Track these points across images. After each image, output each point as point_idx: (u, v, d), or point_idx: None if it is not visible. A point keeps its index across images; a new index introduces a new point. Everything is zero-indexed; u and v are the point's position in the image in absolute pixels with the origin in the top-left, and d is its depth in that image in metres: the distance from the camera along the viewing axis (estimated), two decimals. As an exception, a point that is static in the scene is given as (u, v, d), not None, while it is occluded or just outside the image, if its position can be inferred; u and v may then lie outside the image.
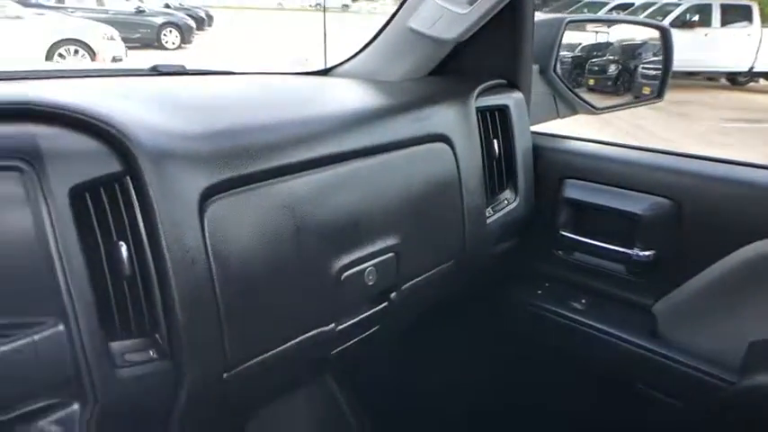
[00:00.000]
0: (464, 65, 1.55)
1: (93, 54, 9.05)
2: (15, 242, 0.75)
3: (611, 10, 12.92)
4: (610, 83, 2.82)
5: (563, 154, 1.62)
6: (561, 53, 1.73)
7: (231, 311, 0.95)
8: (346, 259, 1.10)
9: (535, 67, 1.65)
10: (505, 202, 1.52)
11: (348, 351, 1.21)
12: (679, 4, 11.90)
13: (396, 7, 1.54)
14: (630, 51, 2.49)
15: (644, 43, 2.28)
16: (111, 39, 9.51)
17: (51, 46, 8.78)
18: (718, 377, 1.29)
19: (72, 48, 9.03)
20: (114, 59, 9.26)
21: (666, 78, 1.83)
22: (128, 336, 0.86)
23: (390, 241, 1.18)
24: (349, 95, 1.42)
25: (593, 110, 1.79)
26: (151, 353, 0.88)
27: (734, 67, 12.21)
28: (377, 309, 1.21)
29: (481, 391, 1.77)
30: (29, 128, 0.78)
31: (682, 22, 11.43)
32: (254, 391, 1.15)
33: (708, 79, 13.05)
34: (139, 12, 12.31)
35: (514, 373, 1.74)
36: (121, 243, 0.84)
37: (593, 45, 2.36)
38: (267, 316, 1.01)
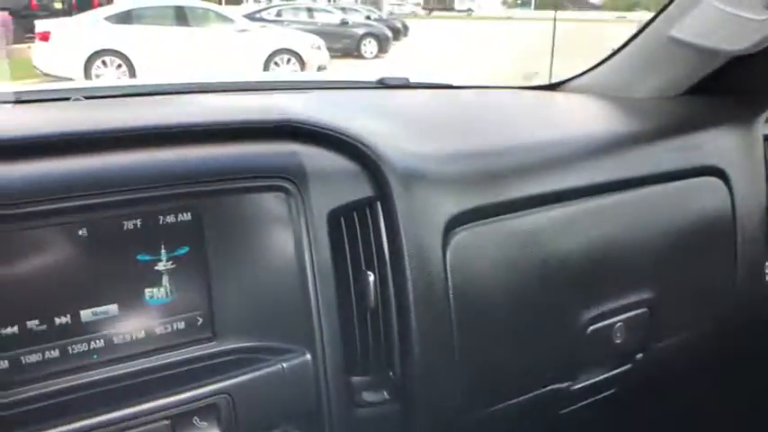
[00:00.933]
0: (740, 82, 1.29)
1: (302, 63, 9.90)
2: (275, 264, 0.74)
3: None
4: None
5: None
6: None
7: (466, 353, 0.86)
8: (595, 311, 0.95)
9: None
10: None
11: (578, 413, 1.06)
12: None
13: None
14: None
15: None
16: (318, 48, 10.33)
17: (269, 55, 9.78)
18: None
19: (285, 57, 9.96)
20: (319, 68, 10.02)
21: None
22: (365, 371, 0.81)
23: (645, 293, 1.00)
24: (593, 115, 1.26)
25: None
26: (385, 393, 0.82)
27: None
28: (619, 370, 1.04)
29: None
30: (291, 146, 0.76)
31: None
32: None
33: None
34: (344, 23, 13.23)
35: None
36: (369, 272, 0.79)
37: None
38: (503, 363, 0.90)
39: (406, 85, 1.44)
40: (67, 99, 0.97)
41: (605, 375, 1.02)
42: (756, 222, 1.11)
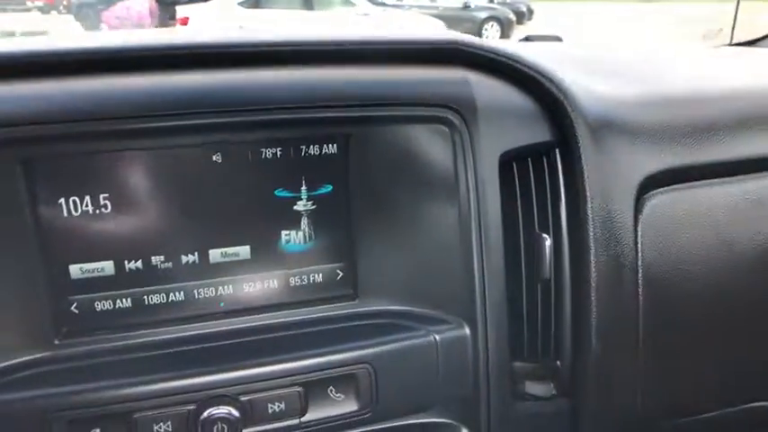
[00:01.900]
0: None
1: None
2: (433, 215, 0.60)
3: None
4: None
5: None
6: None
7: (652, 349, 0.68)
8: None
9: None
10: None
11: None
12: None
13: None
14: None
15: None
16: (439, 33, 10.14)
17: (388, 39, 9.77)
18: None
19: (405, 41, 9.90)
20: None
21: None
22: (530, 357, 0.66)
23: None
24: None
25: None
26: (552, 386, 0.66)
27: None
28: None
29: None
30: (461, 73, 0.62)
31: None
32: None
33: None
34: (466, 7, 12.86)
35: None
36: (545, 236, 0.63)
37: None
38: (699, 367, 0.72)
39: (558, 40, 1.26)
40: None
41: None
42: None
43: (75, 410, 0.53)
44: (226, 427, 0.54)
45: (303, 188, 0.59)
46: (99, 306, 0.57)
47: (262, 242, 0.59)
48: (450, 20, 11.45)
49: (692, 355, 0.71)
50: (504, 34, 12.83)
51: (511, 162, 0.63)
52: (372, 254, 0.61)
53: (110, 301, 0.57)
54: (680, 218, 0.69)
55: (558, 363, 0.67)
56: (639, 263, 0.67)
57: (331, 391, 0.58)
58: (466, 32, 0.69)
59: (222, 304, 0.60)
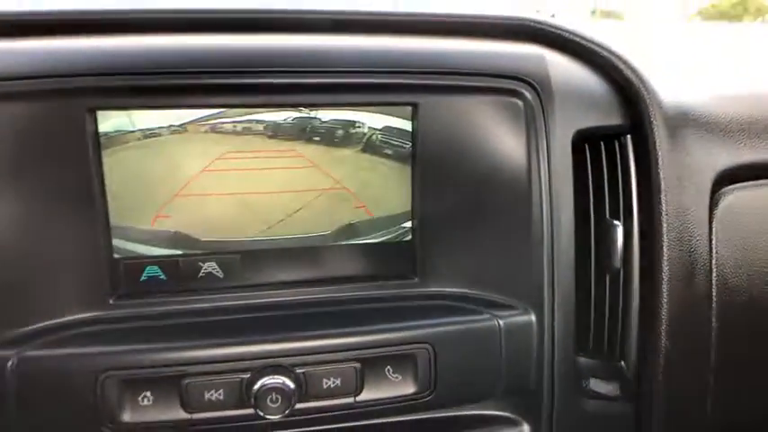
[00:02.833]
0: None
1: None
2: (501, 192, 0.58)
3: None
4: None
5: None
6: None
7: (725, 355, 0.64)
8: None
9: None
10: None
11: None
12: None
13: None
14: None
15: None
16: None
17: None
18: None
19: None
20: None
21: None
22: (595, 354, 0.63)
23: None
24: None
25: None
26: (617, 385, 0.63)
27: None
28: None
29: None
30: (536, 49, 0.60)
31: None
32: None
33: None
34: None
35: None
36: (617, 223, 0.60)
37: None
38: None
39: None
40: None
41: None
42: None
43: (126, 371, 0.51)
44: (280, 398, 0.52)
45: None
46: (155, 269, 0.56)
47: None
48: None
49: (765, 360, 0.67)
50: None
51: (582, 144, 0.61)
52: (435, 232, 0.59)
53: (166, 265, 0.56)
54: (758, 217, 0.65)
55: (623, 363, 0.64)
56: (713, 261, 0.63)
57: (388, 370, 0.55)
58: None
59: (280, 275, 0.58)
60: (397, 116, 0.57)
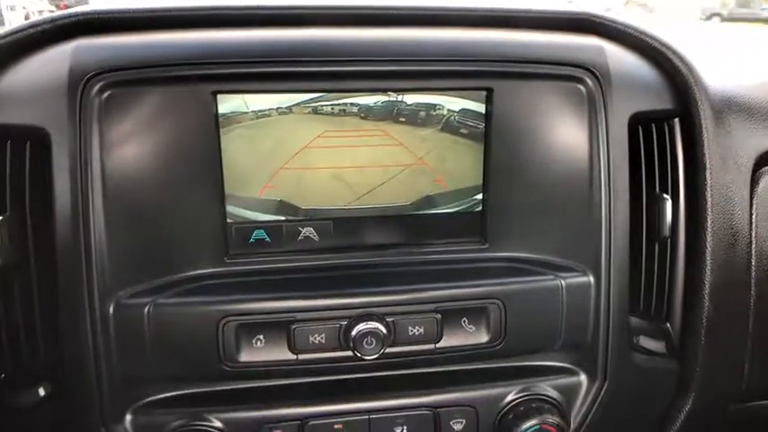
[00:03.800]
0: None
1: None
2: (564, 166, 0.65)
3: None
4: None
5: None
6: None
7: (764, 318, 0.71)
8: None
9: None
10: None
11: None
12: None
13: None
14: None
15: None
16: None
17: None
18: None
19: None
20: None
21: None
22: (645, 314, 0.70)
23: None
24: None
25: None
26: (663, 344, 0.70)
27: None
28: None
29: None
30: (596, 41, 0.67)
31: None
32: None
33: None
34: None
35: None
36: (666, 197, 0.68)
37: None
38: None
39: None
40: None
41: None
42: None
43: (242, 316, 0.60)
44: (374, 341, 0.60)
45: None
46: (262, 233, 0.65)
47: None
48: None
49: None
50: None
51: (636, 126, 0.68)
52: (503, 204, 0.66)
53: (271, 229, 0.65)
54: None
55: (669, 325, 0.71)
56: (754, 234, 0.70)
57: (464, 321, 0.63)
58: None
59: (366, 239, 0.66)
60: (473, 99, 0.64)
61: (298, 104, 0.62)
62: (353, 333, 0.60)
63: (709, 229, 0.67)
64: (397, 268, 0.65)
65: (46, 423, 0.62)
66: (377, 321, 0.61)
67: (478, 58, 0.62)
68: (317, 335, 0.61)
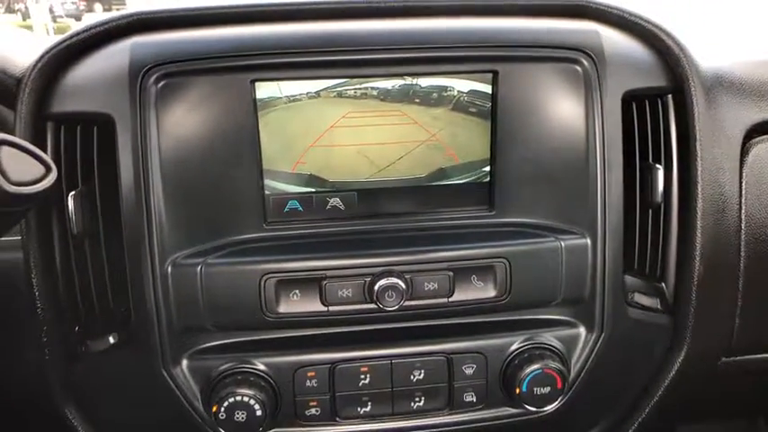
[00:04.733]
0: None
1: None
2: (564, 140, 0.73)
3: None
4: None
5: None
6: None
7: (753, 283, 0.78)
8: None
9: None
10: None
11: None
12: None
13: None
14: None
15: None
16: None
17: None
18: None
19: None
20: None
21: None
22: (640, 273, 0.78)
23: None
24: None
25: None
26: (657, 300, 0.78)
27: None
28: None
29: None
30: (591, 25, 0.74)
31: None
32: (723, 394, 0.95)
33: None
34: None
35: None
36: (658, 166, 0.75)
37: None
38: None
39: None
40: None
41: None
42: None
43: (281, 274, 0.70)
44: (394, 294, 0.69)
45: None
46: (295, 203, 0.74)
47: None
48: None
49: None
50: None
51: (630, 102, 0.75)
52: (509, 173, 0.74)
53: (303, 199, 0.74)
54: None
55: (663, 284, 0.78)
56: (743, 200, 0.76)
57: (473, 278, 0.72)
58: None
59: (387, 208, 0.75)
60: (480, 81, 0.72)
61: (325, 89, 0.71)
62: (376, 288, 0.69)
63: (699, 196, 0.74)
64: (414, 232, 0.74)
65: (115, 366, 0.73)
66: (397, 277, 0.69)
67: (484, 44, 0.70)
68: (344, 289, 0.70)
